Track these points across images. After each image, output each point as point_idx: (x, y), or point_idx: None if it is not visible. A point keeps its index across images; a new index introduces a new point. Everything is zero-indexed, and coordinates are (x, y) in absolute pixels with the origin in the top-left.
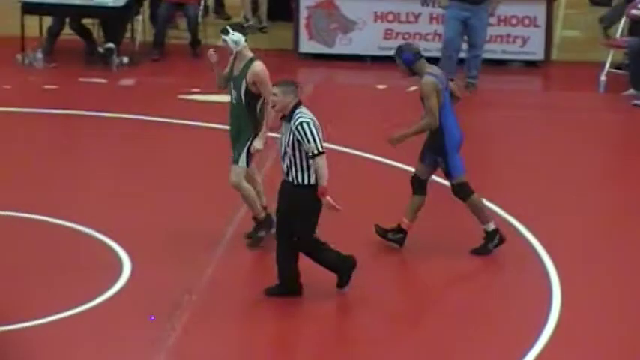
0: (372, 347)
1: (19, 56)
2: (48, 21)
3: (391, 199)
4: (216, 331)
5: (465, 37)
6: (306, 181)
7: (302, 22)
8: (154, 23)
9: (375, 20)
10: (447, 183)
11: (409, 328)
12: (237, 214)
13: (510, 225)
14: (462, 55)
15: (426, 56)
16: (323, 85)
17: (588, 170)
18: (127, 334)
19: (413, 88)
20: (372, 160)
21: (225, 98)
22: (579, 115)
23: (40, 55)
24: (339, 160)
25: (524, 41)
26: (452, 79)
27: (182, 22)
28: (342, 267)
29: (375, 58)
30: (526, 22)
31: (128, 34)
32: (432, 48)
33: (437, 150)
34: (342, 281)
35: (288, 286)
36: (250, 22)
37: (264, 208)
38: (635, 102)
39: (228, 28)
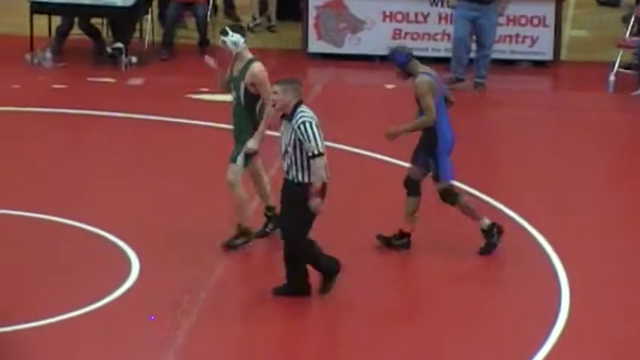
0: (375, 347)
1: (27, 56)
2: (57, 20)
3: (399, 199)
4: (223, 331)
5: (474, 37)
6: (306, 180)
7: (311, 21)
8: (162, 23)
9: (384, 20)
10: None
11: (416, 329)
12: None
13: (519, 225)
14: (471, 54)
15: (435, 56)
16: (332, 85)
17: (597, 170)
18: (135, 333)
19: None
20: (381, 160)
21: None
22: (588, 115)
23: (48, 55)
24: (348, 159)
25: (534, 41)
26: (462, 79)
27: (191, 22)
28: (330, 271)
29: (384, 58)
30: (535, 21)
31: (137, 34)
32: (440, 48)
33: (429, 151)
34: (327, 287)
35: (296, 286)
36: (257, 21)
37: (271, 209)
38: None
39: (227, 29)
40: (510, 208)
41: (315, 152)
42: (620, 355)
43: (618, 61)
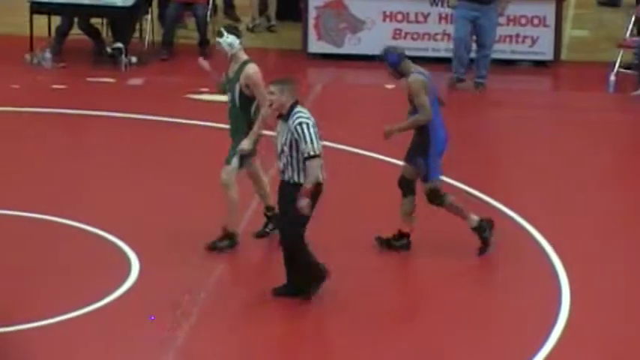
0: (375, 347)
1: (27, 56)
2: (56, 20)
3: (398, 199)
4: (223, 331)
5: (474, 37)
6: (302, 180)
7: (311, 21)
8: (162, 23)
9: (384, 20)
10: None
11: (416, 329)
12: (246, 214)
13: (519, 225)
14: (472, 54)
15: (435, 56)
16: (332, 85)
17: (598, 170)
18: (135, 334)
19: None
20: (381, 160)
21: None
22: (589, 115)
23: (48, 55)
24: (348, 159)
25: (534, 41)
26: (463, 80)
27: (191, 22)
28: (317, 276)
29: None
30: (535, 21)
31: (137, 34)
32: (440, 48)
33: (421, 151)
34: (309, 292)
35: (296, 287)
36: (257, 22)
37: (271, 208)
38: None
39: (222, 30)
40: (510, 208)
41: (312, 153)
42: (620, 355)
43: (619, 61)
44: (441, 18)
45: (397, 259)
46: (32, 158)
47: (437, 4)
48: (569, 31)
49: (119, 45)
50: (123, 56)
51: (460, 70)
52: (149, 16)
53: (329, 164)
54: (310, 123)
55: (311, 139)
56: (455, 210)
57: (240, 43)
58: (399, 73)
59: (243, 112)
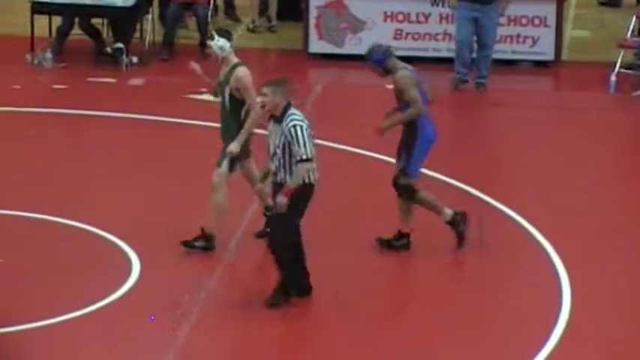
0: (375, 347)
1: (28, 56)
2: (57, 21)
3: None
4: (223, 331)
5: (475, 37)
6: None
7: (312, 21)
8: (163, 23)
9: (385, 20)
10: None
11: (416, 329)
12: (247, 214)
13: (520, 225)
14: (472, 55)
15: (436, 56)
16: (332, 85)
17: (598, 170)
18: (136, 334)
19: None
20: (381, 160)
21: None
22: (589, 115)
23: (49, 55)
24: (349, 159)
25: (535, 41)
26: (466, 81)
27: (191, 22)
28: (297, 285)
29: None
30: (536, 22)
31: (137, 34)
32: (442, 48)
33: (406, 145)
34: (276, 298)
35: (298, 287)
36: (256, 24)
37: (270, 208)
38: None
39: (213, 33)
40: (511, 208)
41: (304, 157)
42: (621, 355)
43: (619, 61)
44: (441, 18)
45: (397, 259)
46: (33, 158)
47: (438, 5)
48: (569, 32)
49: (120, 45)
50: (124, 56)
51: (462, 71)
52: (150, 16)
53: (330, 164)
54: (304, 126)
55: (304, 142)
56: (427, 205)
57: (231, 46)
58: (386, 71)
59: (233, 114)
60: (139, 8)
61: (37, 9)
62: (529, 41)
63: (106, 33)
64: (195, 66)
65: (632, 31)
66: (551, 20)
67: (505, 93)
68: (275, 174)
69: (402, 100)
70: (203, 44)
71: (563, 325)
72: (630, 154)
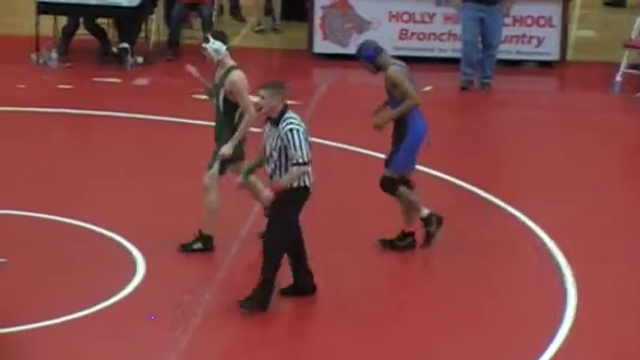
0: (377, 347)
1: (33, 56)
2: (62, 21)
3: None
4: (228, 331)
5: (479, 37)
6: (294, 185)
7: (316, 21)
8: (168, 23)
9: (390, 20)
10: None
11: (418, 329)
12: (251, 214)
13: (524, 225)
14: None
15: (441, 56)
16: (337, 85)
17: (603, 171)
18: (141, 334)
19: (427, 88)
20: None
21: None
22: (594, 115)
23: (54, 55)
24: (353, 159)
25: (540, 41)
26: (472, 81)
27: (196, 22)
28: (263, 296)
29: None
30: (541, 22)
31: (142, 34)
32: (447, 48)
33: (396, 141)
34: (253, 301)
35: (302, 287)
36: (261, 27)
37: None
38: None
39: (209, 36)
40: (515, 207)
41: (300, 161)
42: (626, 355)
43: (624, 61)
44: (446, 18)
45: (400, 259)
46: (38, 158)
47: (443, 5)
48: (574, 32)
49: (125, 45)
50: (129, 56)
51: (469, 72)
52: (155, 17)
53: (334, 164)
54: (301, 130)
55: (300, 146)
56: (405, 201)
57: (227, 49)
58: (377, 68)
59: (227, 117)
60: (144, 8)
61: (43, 9)
62: (534, 41)
63: (111, 33)
64: (191, 69)
65: (637, 32)
66: (557, 20)
67: (510, 93)
68: (271, 176)
69: (394, 96)
70: None
71: (568, 324)
72: (635, 155)
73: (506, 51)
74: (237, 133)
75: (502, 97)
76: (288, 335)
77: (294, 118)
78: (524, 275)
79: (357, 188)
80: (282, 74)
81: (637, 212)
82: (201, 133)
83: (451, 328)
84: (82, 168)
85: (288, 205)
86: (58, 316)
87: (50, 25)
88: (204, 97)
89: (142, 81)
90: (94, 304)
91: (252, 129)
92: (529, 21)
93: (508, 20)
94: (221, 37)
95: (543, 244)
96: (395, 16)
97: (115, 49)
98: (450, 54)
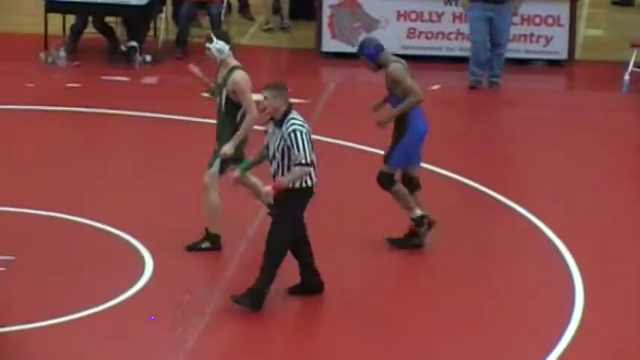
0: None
1: (42, 54)
2: (71, 19)
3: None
4: (236, 331)
5: (487, 37)
6: (296, 186)
7: (325, 20)
8: (176, 21)
9: (398, 19)
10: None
11: (425, 328)
12: (258, 213)
13: (532, 224)
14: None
15: (449, 55)
16: (345, 84)
17: (612, 170)
18: (149, 332)
19: (435, 87)
20: None
21: (255, 97)
22: (603, 114)
23: (62, 54)
24: (361, 158)
25: (548, 40)
26: (480, 82)
27: (205, 21)
28: (256, 297)
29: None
30: (549, 21)
31: (151, 33)
32: (455, 47)
33: (395, 138)
34: (244, 298)
35: (309, 286)
36: (270, 26)
37: (271, 207)
38: None
39: (212, 36)
40: (523, 206)
41: (303, 162)
42: (633, 355)
43: (632, 60)
44: (455, 17)
45: (407, 259)
46: (46, 156)
47: (451, 4)
48: (583, 31)
49: (133, 43)
50: (137, 55)
51: (477, 72)
52: (163, 15)
53: (343, 162)
54: (304, 130)
55: (303, 147)
56: (399, 198)
57: (230, 49)
58: (378, 65)
59: (228, 117)
60: (153, 7)
61: (51, 7)
62: (542, 40)
63: (119, 31)
64: (194, 69)
65: None
66: (565, 19)
67: (518, 92)
68: (273, 176)
69: (395, 94)
70: None
71: (575, 324)
72: None
73: (515, 50)
74: (238, 133)
75: (510, 96)
76: (294, 334)
77: (297, 119)
78: (531, 275)
79: (366, 187)
80: (291, 73)
81: None
82: (210, 131)
83: (460, 327)
84: (91, 166)
85: (292, 202)
86: (66, 314)
87: (59, 24)
88: (205, 94)
89: (150, 79)
90: (102, 303)
91: (255, 127)
92: (537, 20)
93: (516, 19)
94: (224, 37)
95: (551, 244)
96: (403, 15)
97: (123, 48)
98: (458, 53)
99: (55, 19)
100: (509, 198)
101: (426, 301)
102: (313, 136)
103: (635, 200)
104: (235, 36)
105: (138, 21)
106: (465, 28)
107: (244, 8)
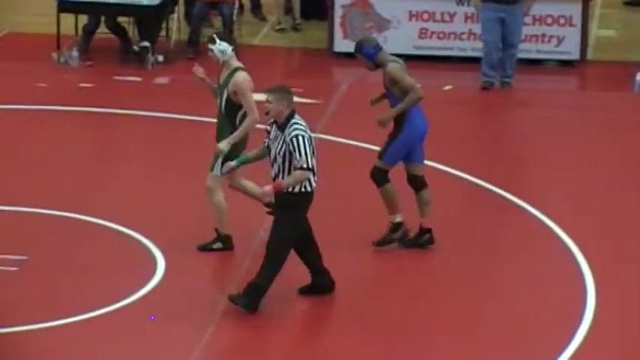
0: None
1: (54, 54)
2: (83, 19)
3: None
4: (247, 331)
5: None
6: (296, 190)
7: (337, 20)
8: (188, 22)
9: (410, 19)
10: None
11: (436, 328)
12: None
13: (544, 224)
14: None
15: (461, 55)
16: (357, 84)
17: (623, 170)
18: (161, 332)
19: (447, 87)
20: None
21: (259, 97)
22: (615, 115)
23: (75, 54)
24: (373, 158)
25: (560, 41)
26: (493, 82)
27: (217, 21)
28: (252, 298)
29: (410, 57)
30: (561, 21)
31: (163, 33)
32: (467, 47)
33: (393, 134)
34: (241, 299)
35: (320, 286)
36: (282, 26)
37: (270, 206)
38: None
39: (215, 37)
40: (535, 207)
41: (304, 166)
42: None
43: None
44: (467, 17)
45: (415, 258)
46: (58, 156)
47: (463, 4)
48: (595, 31)
49: (146, 44)
50: (149, 55)
51: (490, 74)
52: (175, 15)
53: (354, 162)
54: (306, 136)
55: (305, 152)
56: (387, 198)
57: (233, 50)
58: (376, 65)
59: (228, 118)
60: (165, 7)
61: (64, 7)
62: (554, 41)
63: (131, 31)
64: (198, 69)
65: None
66: (577, 20)
67: (530, 92)
68: (274, 179)
69: (393, 93)
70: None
71: (587, 324)
72: None
73: (527, 50)
74: (237, 132)
75: (522, 96)
76: (294, 334)
77: (300, 124)
78: (543, 275)
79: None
80: (303, 73)
81: None
82: None
83: (470, 327)
84: (103, 166)
85: (291, 206)
86: (77, 314)
87: (71, 24)
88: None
89: (162, 80)
90: (114, 303)
91: (257, 125)
92: (549, 20)
93: (528, 19)
94: (227, 38)
95: (563, 244)
96: (415, 15)
97: (135, 48)
98: (470, 53)
99: (68, 19)
100: (521, 198)
101: (435, 300)
102: (325, 136)
103: None
104: (247, 36)
105: (150, 21)
106: (477, 28)
107: (256, 8)
